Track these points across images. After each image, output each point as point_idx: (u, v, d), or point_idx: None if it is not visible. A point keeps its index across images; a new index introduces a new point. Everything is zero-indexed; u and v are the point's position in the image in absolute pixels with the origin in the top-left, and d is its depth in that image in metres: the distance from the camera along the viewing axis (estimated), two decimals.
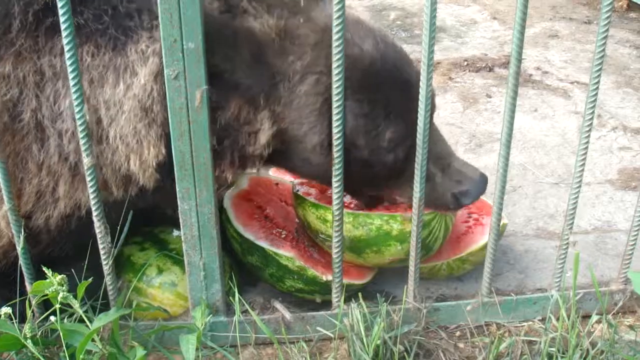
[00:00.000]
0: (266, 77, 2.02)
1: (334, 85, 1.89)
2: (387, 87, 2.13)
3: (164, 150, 1.98)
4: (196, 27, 1.80)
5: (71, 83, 1.81)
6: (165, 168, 2.02)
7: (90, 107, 1.94)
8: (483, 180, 2.31)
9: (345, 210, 2.23)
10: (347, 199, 2.43)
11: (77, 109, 1.84)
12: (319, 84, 2.04)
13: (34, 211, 2.05)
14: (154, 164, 1.99)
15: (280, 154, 2.15)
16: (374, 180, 2.24)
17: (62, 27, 1.75)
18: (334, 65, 1.86)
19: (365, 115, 2.09)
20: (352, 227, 2.29)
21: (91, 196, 1.96)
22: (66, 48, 1.76)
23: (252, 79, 2.00)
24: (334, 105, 1.92)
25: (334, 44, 1.84)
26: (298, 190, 2.46)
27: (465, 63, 4.75)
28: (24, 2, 1.92)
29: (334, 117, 1.94)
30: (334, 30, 1.82)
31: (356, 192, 2.36)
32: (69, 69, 1.79)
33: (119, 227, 2.13)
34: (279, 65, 2.03)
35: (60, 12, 1.73)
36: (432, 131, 2.27)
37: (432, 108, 2.22)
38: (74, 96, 1.82)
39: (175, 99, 1.88)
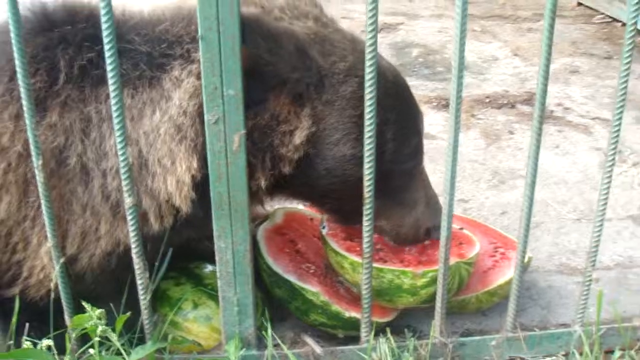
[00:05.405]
0: (313, 71, 2.11)
1: (366, 97, 1.99)
2: (407, 98, 2.30)
3: (195, 164, 2.05)
4: (236, 76, 1.90)
5: (115, 128, 1.92)
6: (199, 187, 2.09)
7: (132, 142, 2.04)
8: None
9: (357, 259, 2.34)
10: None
11: (120, 151, 1.94)
12: (362, 89, 2.07)
13: (80, 252, 2.13)
14: (188, 179, 2.05)
15: (306, 160, 2.19)
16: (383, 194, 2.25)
17: (109, 78, 1.86)
18: (367, 71, 1.95)
19: (396, 121, 2.21)
20: None
21: (132, 234, 2.05)
22: (113, 100, 1.88)
23: (299, 72, 2.08)
24: (366, 117, 2.00)
25: (368, 43, 1.92)
26: (324, 227, 2.54)
27: (487, 100, 4.83)
28: (69, 57, 2.05)
29: (366, 135, 2.03)
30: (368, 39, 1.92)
31: (356, 214, 2.23)
32: (115, 119, 1.90)
33: (157, 264, 2.22)
34: (323, 63, 2.13)
35: (108, 66, 1.85)
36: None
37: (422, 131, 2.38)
38: (118, 140, 1.93)
39: (215, 142, 1.97)
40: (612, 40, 6.12)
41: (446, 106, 4.57)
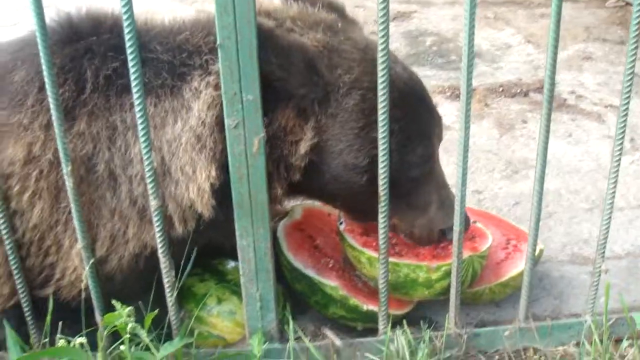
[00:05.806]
0: (319, 87, 2.18)
1: (379, 105, 2.05)
2: (416, 107, 2.34)
3: (214, 173, 2.13)
4: (254, 81, 1.98)
5: (140, 134, 2.00)
6: (219, 193, 2.17)
7: (156, 149, 2.12)
8: (468, 219, 2.48)
9: (374, 254, 2.41)
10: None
11: (145, 156, 2.02)
12: (365, 101, 2.20)
13: (109, 254, 2.23)
14: (208, 187, 2.14)
15: (313, 168, 2.27)
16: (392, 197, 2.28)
17: (133, 88, 1.94)
18: (379, 81, 2.01)
19: (400, 132, 2.26)
20: None
21: (158, 234, 2.14)
22: (137, 108, 1.96)
23: (306, 88, 2.15)
24: (379, 124, 2.07)
25: (379, 60, 1.99)
26: (341, 223, 2.62)
27: (501, 89, 4.85)
28: (95, 67, 2.13)
29: (380, 143, 2.10)
30: (380, 46, 1.98)
31: (367, 214, 2.38)
32: (139, 126, 1.98)
33: (182, 262, 2.31)
34: (329, 77, 2.19)
35: (132, 75, 1.93)
36: (437, 159, 2.47)
37: (439, 136, 2.44)
38: (142, 145, 2.01)
39: (235, 146, 2.06)
40: (625, 25, 6.08)
41: (460, 96, 4.60)
